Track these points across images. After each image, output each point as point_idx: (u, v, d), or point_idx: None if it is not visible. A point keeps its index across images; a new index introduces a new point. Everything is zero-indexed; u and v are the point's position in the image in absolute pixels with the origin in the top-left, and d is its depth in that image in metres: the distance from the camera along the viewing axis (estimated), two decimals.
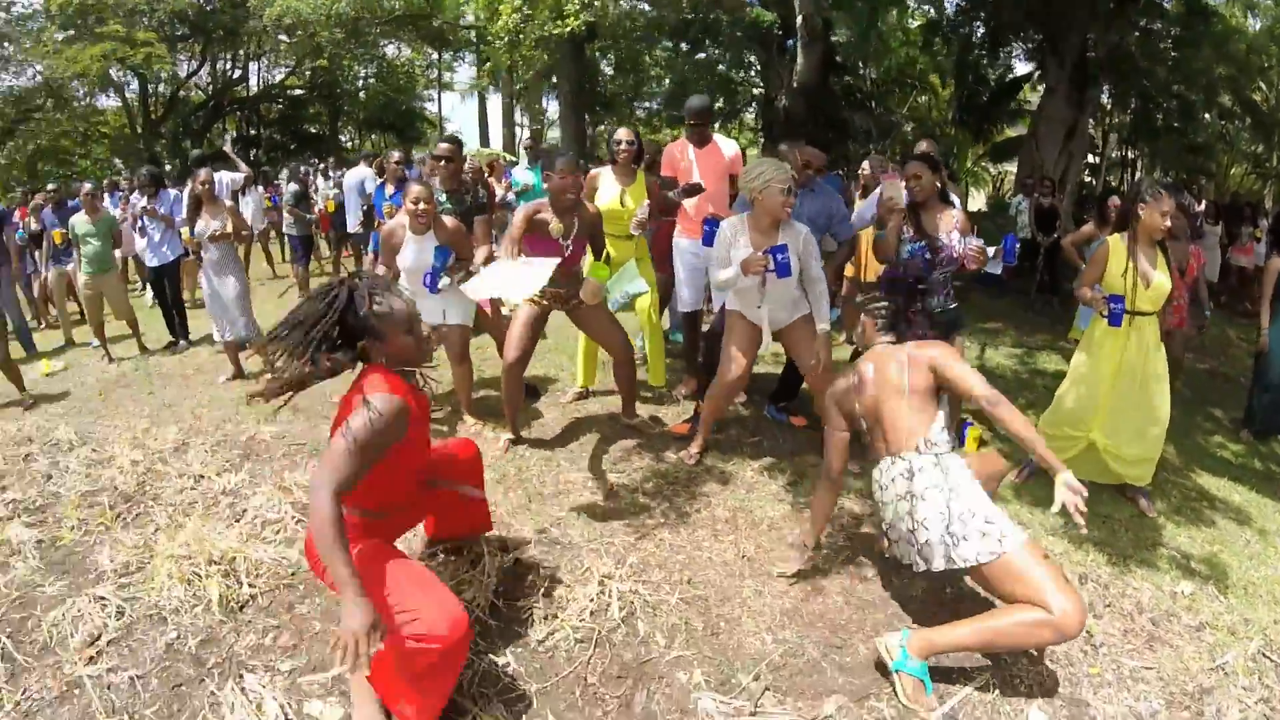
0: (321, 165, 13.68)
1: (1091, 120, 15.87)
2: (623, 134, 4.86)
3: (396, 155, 7.47)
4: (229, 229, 5.85)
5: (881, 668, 2.60)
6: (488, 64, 16.06)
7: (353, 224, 8.93)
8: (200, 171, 6.10)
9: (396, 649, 2.20)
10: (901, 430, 2.77)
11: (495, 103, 27.99)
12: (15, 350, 6.61)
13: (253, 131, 29.35)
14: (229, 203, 6.34)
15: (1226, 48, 14.89)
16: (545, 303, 4.28)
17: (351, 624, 1.97)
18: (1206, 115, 16.83)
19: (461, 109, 51.52)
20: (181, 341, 7.47)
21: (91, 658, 2.82)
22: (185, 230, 6.13)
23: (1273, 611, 3.29)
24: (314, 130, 30.11)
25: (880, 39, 16.21)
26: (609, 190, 4.75)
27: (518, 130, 28.01)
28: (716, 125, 16.91)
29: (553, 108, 25.41)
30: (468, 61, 28.48)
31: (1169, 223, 3.77)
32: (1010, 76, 18.04)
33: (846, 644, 2.79)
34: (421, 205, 4.19)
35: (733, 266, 3.72)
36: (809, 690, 2.56)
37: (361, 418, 2.16)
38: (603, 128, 22.66)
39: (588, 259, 4.36)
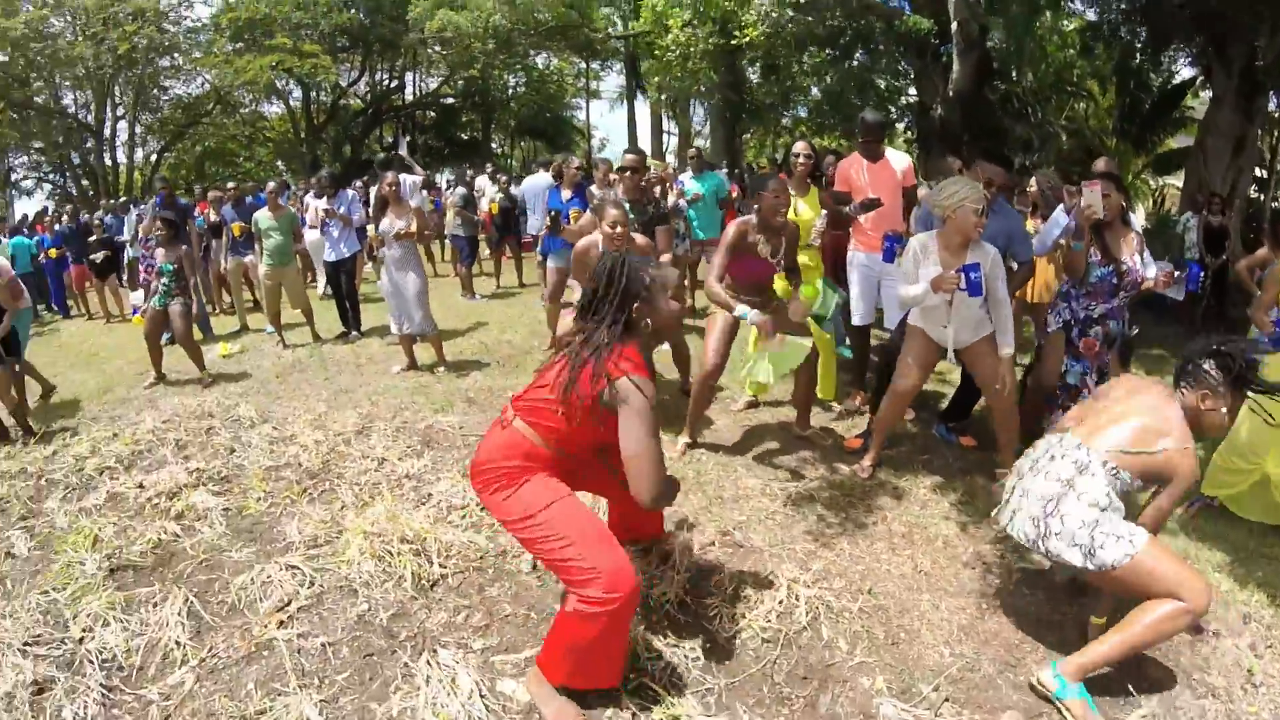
0: (491, 169, 14.32)
1: (1259, 131, 14.79)
2: (800, 147, 5.00)
3: (576, 162, 7.76)
4: (413, 228, 6.15)
5: (1043, 697, 2.58)
6: (655, 78, 16.52)
7: (536, 226, 9.16)
8: (387, 174, 6.50)
9: (568, 624, 2.34)
10: (1106, 435, 2.70)
11: (644, 110, 28.43)
12: (194, 332, 7.09)
13: (408, 138, 30.73)
14: (413, 203, 6.69)
15: None
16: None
17: None
18: None
19: (610, 116, 52.67)
20: (354, 332, 7.94)
21: (282, 622, 3.00)
22: (371, 227, 6.53)
23: None
24: (466, 137, 31.17)
25: (1037, 43, 15.60)
26: None
27: (666, 138, 28.33)
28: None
29: (699, 114, 25.67)
30: (616, 70, 29.02)
31: None
32: (1174, 82, 17.03)
33: (1020, 663, 2.77)
34: (619, 229, 4.31)
35: (922, 283, 3.72)
36: (985, 704, 2.57)
37: (645, 419, 2.34)
38: (748, 135, 22.65)
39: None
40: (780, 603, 3.00)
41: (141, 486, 4.38)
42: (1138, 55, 15.44)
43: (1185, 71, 16.86)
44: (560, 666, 2.43)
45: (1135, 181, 20.36)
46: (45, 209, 16.26)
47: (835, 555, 3.42)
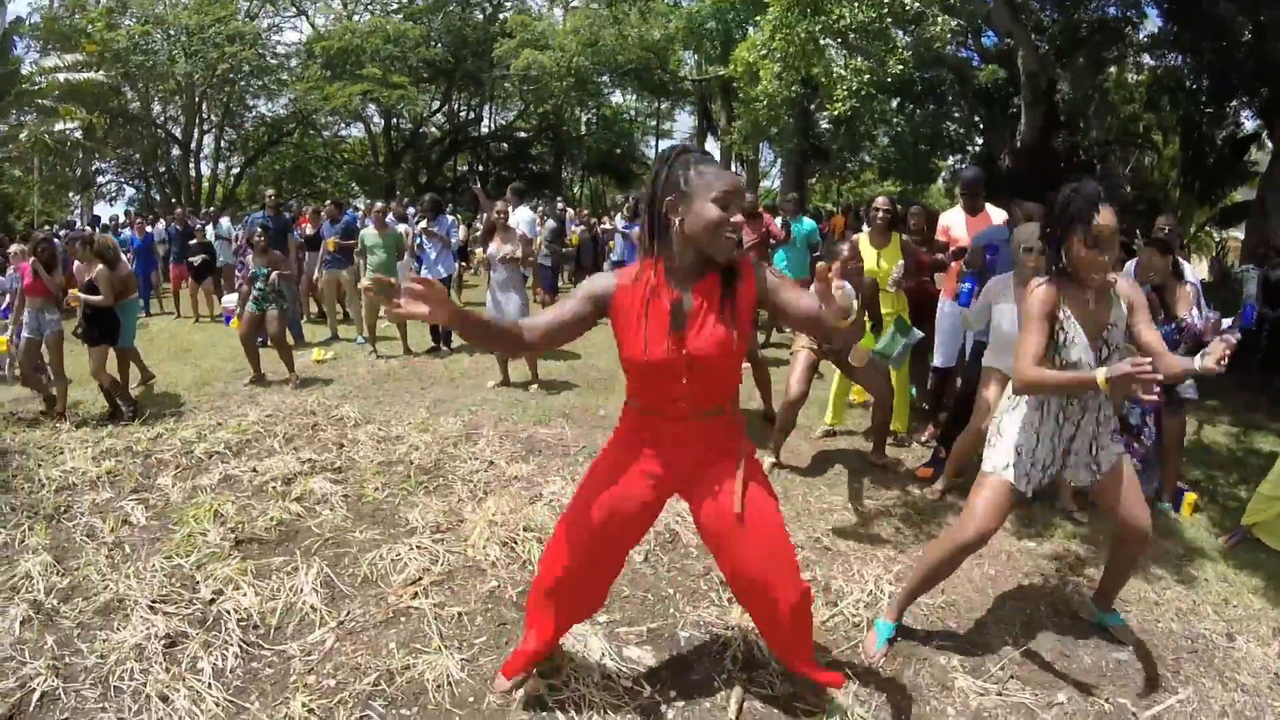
0: (561, 205, 15.00)
1: None
2: (880, 201, 5.28)
3: None
4: (518, 253, 6.67)
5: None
6: (737, 122, 17.01)
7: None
8: (498, 204, 7.06)
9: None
10: None
11: (713, 150, 28.92)
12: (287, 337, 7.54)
13: (481, 168, 31.56)
14: (521, 231, 7.20)
15: None
16: (822, 348, 4.80)
17: None
18: None
19: None
20: (443, 347, 8.44)
21: (416, 594, 3.30)
22: (479, 250, 7.07)
23: None
24: (537, 169, 31.82)
25: (1103, 96, 15.82)
26: (866, 254, 5.20)
27: None
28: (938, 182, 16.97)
29: (768, 156, 26.17)
30: (687, 111, 29.63)
31: None
32: (1239, 135, 17.02)
33: (1074, 654, 3.10)
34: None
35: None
36: (1045, 683, 2.91)
37: None
38: (813, 180, 22.99)
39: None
40: (868, 594, 3.40)
41: (255, 470, 4.71)
42: (1202, 108, 15.54)
43: (1249, 125, 16.91)
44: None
45: (1199, 234, 20.28)
46: (129, 212, 17.09)
47: (912, 561, 3.74)
